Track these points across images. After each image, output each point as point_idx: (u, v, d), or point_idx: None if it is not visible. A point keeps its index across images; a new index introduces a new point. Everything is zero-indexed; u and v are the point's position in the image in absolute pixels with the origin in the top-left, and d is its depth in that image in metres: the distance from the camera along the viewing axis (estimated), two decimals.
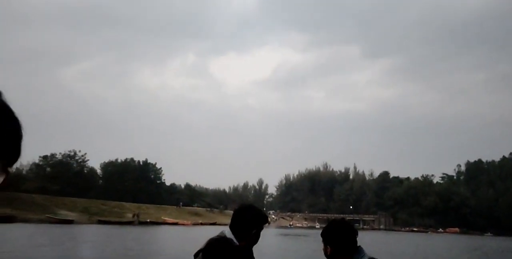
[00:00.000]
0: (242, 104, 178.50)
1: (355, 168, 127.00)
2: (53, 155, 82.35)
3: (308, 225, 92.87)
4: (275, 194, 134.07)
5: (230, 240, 2.34)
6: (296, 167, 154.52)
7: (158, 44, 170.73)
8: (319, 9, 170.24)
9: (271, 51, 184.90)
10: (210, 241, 2.26)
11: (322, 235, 2.51)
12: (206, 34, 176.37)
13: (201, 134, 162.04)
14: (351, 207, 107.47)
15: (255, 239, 2.64)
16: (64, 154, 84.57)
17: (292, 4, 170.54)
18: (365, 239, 3.14)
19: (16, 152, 0.55)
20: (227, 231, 2.58)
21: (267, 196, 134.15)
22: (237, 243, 2.45)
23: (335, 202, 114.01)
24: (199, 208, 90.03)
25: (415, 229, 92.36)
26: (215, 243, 2.22)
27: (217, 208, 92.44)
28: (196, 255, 2.35)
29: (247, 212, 2.67)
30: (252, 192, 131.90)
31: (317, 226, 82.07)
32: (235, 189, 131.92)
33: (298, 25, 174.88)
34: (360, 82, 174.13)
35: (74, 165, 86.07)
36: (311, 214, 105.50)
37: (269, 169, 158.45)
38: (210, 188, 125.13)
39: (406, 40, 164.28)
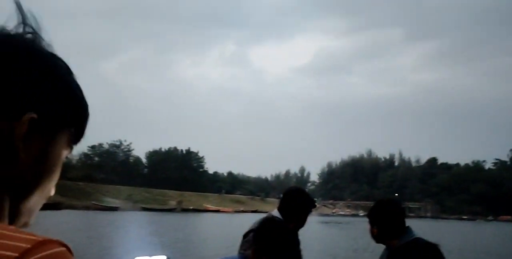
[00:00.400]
0: (282, 92, 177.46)
1: (400, 154, 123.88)
2: (100, 145, 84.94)
3: (351, 212, 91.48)
4: (317, 181, 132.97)
5: (280, 220, 2.43)
6: (338, 154, 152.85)
7: (196, 34, 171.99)
8: None
9: (310, 37, 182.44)
10: (262, 220, 2.33)
11: (368, 215, 2.42)
12: (244, 22, 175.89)
13: (242, 122, 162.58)
14: (395, 194, 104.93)
15: (302, 222, 2.64)
16: (110, 144, 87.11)
17: None
18: (412, 227, 2.72)
19: (83, 127, 0.58)
20: (275, 213, 2.60)
21: (309, 184, 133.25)
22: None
23: (378, 189, 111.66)
24: (241, 196, 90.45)
25: (464, 217, 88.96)
26: (268, 222, 2.27)
27: (258, 196, 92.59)
28: (245, 236, 2.45)
29: (297, 195, 2.67)
30: (294, 179, 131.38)
31: (360, 214, 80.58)
32: (277, 177, 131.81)
33: (337, 10, 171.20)
34: (402, 66, 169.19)
35: (120, 154, 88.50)
36: (354, 202, 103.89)
37: (310, 156, 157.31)
38: (252, 176, 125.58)
39: (450, 22, 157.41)
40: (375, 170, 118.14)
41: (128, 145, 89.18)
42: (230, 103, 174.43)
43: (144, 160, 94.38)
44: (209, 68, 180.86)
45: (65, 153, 0.57)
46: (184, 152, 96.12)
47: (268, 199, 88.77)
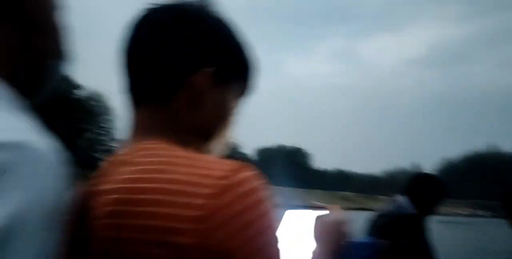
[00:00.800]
0: (395, 86, 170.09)
1: None
2: None
3: (472, 212, 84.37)
4: None
5: (405, 208, 2.43)
6: (455, 150, 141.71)
7: (305, 32, 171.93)
8: None
9: (425, 26, 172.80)
10: (383, 208, 2.44)
11: (503, 205, 2.22)
12: (354, 16, 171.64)
13: (352, 118, 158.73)
14: None
15: (433, 209, 2.50)
16: None
17: None
18: None
19: (250, 80, 0.68)
20: (402, 199, 2.50)
21: None
22: (412, 212, 2.43)
23: (505, 187, 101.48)
24: (349, 193, 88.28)
25: None
26: (390, 210, 2.34)
27: (366, 193, 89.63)
28: (375, 221, 2.48)
29: (428, 180, 2.56)
30: (407, 176, 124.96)
31: (482, 214, 73.90)
32: (387, 173, 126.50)
33: None
34: None
35: (230, 152, 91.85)
36: (474, 201, 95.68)
37: (424, 152, 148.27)
38: (361, 173, 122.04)
39: None
40: (500, 166, 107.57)
41: (237, 142, 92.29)
42: (339, 99, 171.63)
43: (253, 157, 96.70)
44: (318, 65, 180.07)
45: (236, 104, 0.68)
46: (292, 149, 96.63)
47: (376, 196, 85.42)
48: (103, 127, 55.32)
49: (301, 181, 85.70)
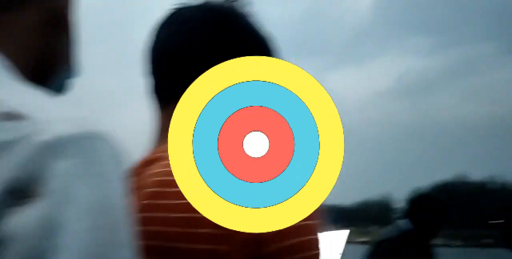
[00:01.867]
0: (362, 119, 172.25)
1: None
2: None
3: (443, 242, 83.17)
4: None
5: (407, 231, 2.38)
6: (425, 180, 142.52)
7: None
8: (441, 10, 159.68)
9: (392, 59, 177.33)
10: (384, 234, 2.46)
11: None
12: (320, 50, 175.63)
13: None
14: None
15: (435, 232, 2.46)
16: None
17: (411, 10, 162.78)
18: None
19: None
20: (404, 222, 2.45)
21: None
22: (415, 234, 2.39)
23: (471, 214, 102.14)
24: None
25: None
26: None
27: (340, 224, 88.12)
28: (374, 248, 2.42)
29: (430, 202, 2.59)
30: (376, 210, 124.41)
31: (449, 244, 72.29)
32: (359, 205, 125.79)
33: (420, 29, 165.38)
34: (499, 82, 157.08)
35: None
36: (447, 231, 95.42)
37: (396, 182, 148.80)
38: (332, 204, 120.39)
39: None
40: (468, 195, 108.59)
41: None
42: None
43: None
44: None
45: None
46: None
47: (349, 228, 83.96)
48: None
49: None
